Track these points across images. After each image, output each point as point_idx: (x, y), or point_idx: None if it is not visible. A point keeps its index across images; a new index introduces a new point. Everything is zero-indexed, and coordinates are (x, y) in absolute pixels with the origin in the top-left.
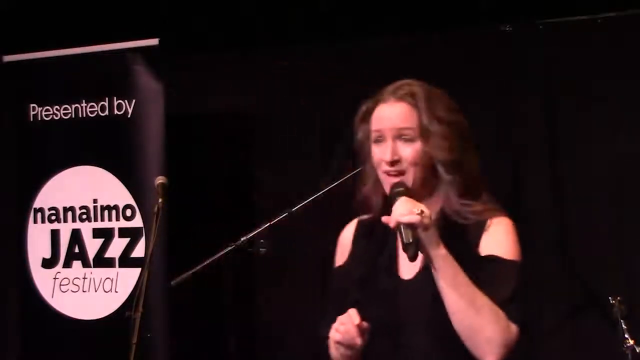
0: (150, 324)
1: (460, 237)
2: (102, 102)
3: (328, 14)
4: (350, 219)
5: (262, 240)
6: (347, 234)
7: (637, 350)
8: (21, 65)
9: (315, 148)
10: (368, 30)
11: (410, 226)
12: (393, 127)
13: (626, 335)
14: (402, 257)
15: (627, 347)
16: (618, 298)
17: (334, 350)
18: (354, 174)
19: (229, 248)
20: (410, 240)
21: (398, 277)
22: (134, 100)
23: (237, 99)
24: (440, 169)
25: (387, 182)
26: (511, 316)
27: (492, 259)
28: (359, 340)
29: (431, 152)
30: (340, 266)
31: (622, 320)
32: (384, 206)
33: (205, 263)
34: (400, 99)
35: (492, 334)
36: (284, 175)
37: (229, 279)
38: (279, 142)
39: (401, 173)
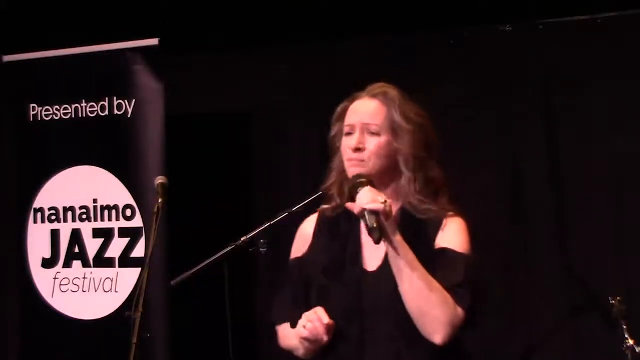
0: (150, 324)
1: (418, 232)
2: (102, 102)
3: (328, 14)
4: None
5: (262, 240)
6: (308, 227)
7: (637, 350)
8: (21, 65)
9: (315, 148)
10: (368, 30)
11: (374, 213)
12: (362, 121)
13: (626, 335)
14: (366, 249)
15: (627, 347)
16: (618, 298)
17: (295, 342)
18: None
19: (229, 248)
20: (375, 225)
21: (363, 268)
22: (134, 100)
23: (237, 99)
24: (402, 165)
25: (349, 170)
26: (459, 300)
27: (445, 251)
28: (325, 338)
29: (397, 146)
30: (298, 257)
31: (622, 320)
32: (347, 198)
33: (205, 263)
34: (374, 96)
35: (441, 314)
36: (284, 175)
37: (229, 279)
38: (279, 142)
39: (362, 161)
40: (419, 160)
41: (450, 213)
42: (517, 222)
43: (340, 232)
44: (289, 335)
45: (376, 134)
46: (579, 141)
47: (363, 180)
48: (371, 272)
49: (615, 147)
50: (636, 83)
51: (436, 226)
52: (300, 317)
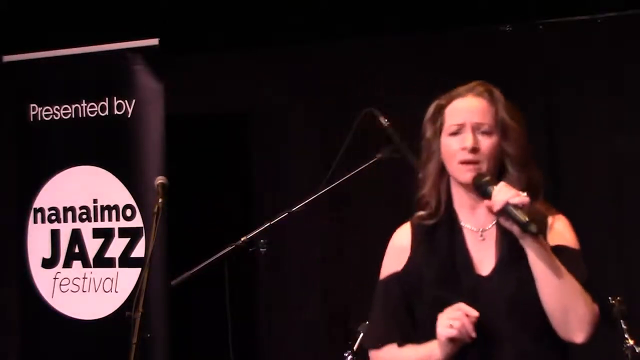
0: (150, 324)
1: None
2: (102, 102)
3: (328, 14)
4: (350, 219)
5: (262, 240)
6: (403, 240)
7: (637, 350)
8: (21, 65)
9: (315, 148)
10: (368, 30)
11: (517, 207)
12: (473, 120)
13: (626, 335)
14: (475, 254)
15: (627, 347)
16: (618, 298)
17: (401, 353)
18: (354, 173)
19: (229, 248)
20: (527, 219)
21: (476, 274)
22: (134, 100)
23: (237, 99)
24: (509, 165)
25: (463, 173)
26: (594, 296)
27: (563, 249)
28: (474, 335)
29: (504, 147)
30: (395, 273)
31: (622, 320)
32: (447, 204)
33: (205, 263)
34: (479, 95)
35: (584, 312)
36: (284, 175)
37: (229, 279)
38: (279, 142)
39: (477, 163)
40: (524, 159)
41: (554, 211)
42: None
43: (441, 240)
44: (398, 355)
45: (488, 133)
46: (579, 141)
47: (487, 177)
48: (485, 276)
49: (615, 147)
50: (636, 83)
51: (543, 225)
52: (406, 334)
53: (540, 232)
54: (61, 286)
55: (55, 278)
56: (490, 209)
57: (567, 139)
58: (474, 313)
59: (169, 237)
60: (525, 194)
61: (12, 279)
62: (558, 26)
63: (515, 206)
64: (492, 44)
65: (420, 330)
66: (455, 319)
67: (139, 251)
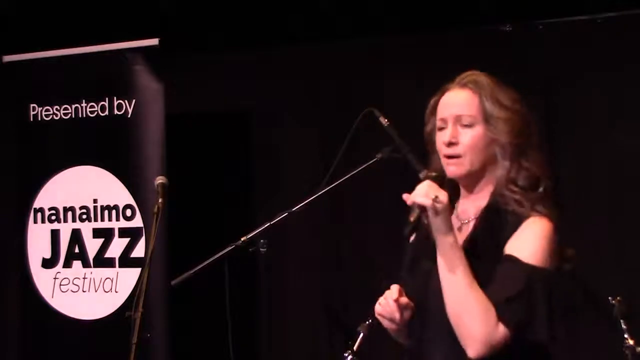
0: (150, 324)
1: (496, 232)
2: (102, 102)
3: (328, 14)
4: (350, 219)
5: (262, 240)
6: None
7: (637, 350)
8: (21, 65)
9: (314, 148)
10: (368, 30)
11: (420, 207)
12: (454, 113)
13: (626, 335)
14: None
15: (627, 347)
16: (618, 298)
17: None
18: (354, 173)
19: (229, 248)
20: (412, 219)
21: (433, 261)
22: (134, 100)
23: (237, 99)
24: (498, 154)
25: (447, 167)
26: (503, 316)
27: (509, 259)
28: (397, 315)
29: (492, 136)
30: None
31: (622, 320)
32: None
33: (205, 263)
34: (464, 86)
35: (474, 329)
36: (284, 175)
37: (229, 279)
38: (279, 142)
39: (458, 157)
40: (516, 148)
41: (535, 213)
42: None
43: (426, 227)
44: None
45: (469, 125)
46: (579, 141)
47: (432, 174)
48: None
49: (615, 146)
50: (636, 83)
51: (514, 228)
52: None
53: (407, 235)
54: (61, 286)
55: (55, 278)
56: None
57: (567, 139)
58: (394, 296)
59: (169, 237)
60: (435, 196)
61: (12, 279)
62: (558, 26)
63: (419, 206)
64: (492, 44)
65: None
66: (384, 297)
67: (139, 251)
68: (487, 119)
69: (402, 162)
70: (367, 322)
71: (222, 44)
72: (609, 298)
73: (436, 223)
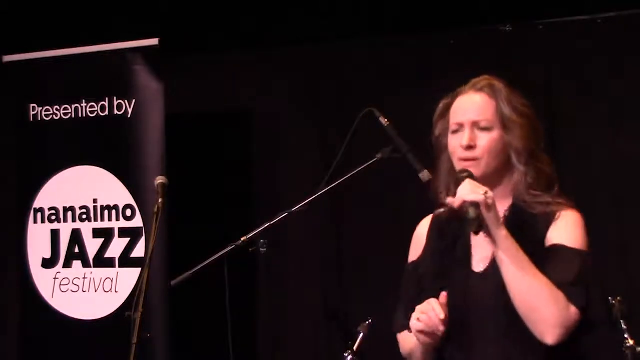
0: (150, 324)
1: (528, 228)
2: (102, 102)
3: (328, 14)
4: (350, 219)
5: (262, 240)
6: (422, 230)
7: (637, 350)
8: (21, 65)
9: (314, 148)
10: (368, 30)
11: (474, 204)
12: (470, 117)
13: (626, 335)
14: (475, 250)
15: (627, 347)
16: (618, 298)
17: (412, 345)
18: (354, 173)
19: (229, 248)
20: (473, 216)
21: (471, 269)
22: (134, 100)
23: (237, 99)
24: (515, 159)
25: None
26: (572, 298)
27: (558, 248)
28: (441, 328)
29: (508, 140)
30: (413, 261)
31: (622, 320)
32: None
33: (205, 263)
34: (480, 90)
35: (550, 314)
36: (284, 175)
37: (229, 279)
38: (279, 142)
39: (475, 159)
40: (530, 152)
41: (564, 206)
42: None
43: (450, 233)
44: (407, 340)
45: (487, 129)
46: (579, 141)
47: (465, 173)
48: (478, 272)
49: (615, 147)
50: (636, 83)
51: (548, 221)
52: None
53: (477, 231)
54: (61, 286)
55: (55, 278)
56: (452, 206)
57: (567, 138)
58: (442, 315)
59: (169, 237)
60: (484, 191)
61: (12, 279)
62: (558, 26)
63: (472, 203)
64: (492, 44)
65: None
66: (423, 313)
67: (139, 251)
68: (504, 123)
69: (402, 162)
70: (367, 322)
71: (222, 44)
72: (609, 298)
73: (491, 217)
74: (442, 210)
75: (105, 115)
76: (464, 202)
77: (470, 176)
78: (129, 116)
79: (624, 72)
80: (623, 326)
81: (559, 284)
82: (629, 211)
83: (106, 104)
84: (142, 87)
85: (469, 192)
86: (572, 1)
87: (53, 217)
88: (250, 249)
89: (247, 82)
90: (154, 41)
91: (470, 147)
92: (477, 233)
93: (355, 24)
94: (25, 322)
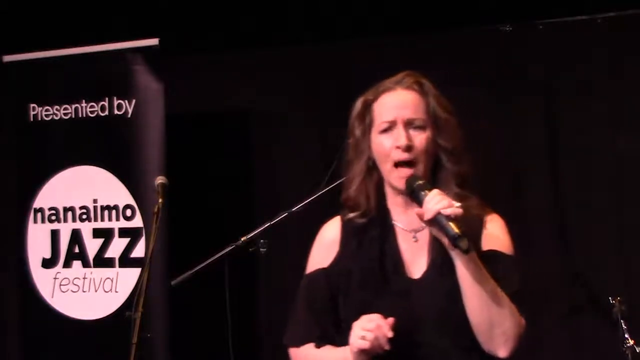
0: (150, 324)
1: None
2: (102, 102)
3: (328, 14)
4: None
5: (262, 240)
6: (330, 235)
7: (637, 350)
8: (21, 65)
9: (314, 148)
10: (368, 30)
11: (451, 218)
12: (404, 116)
13: (626, 335)
14: (406, 255)
15: (627, 347)
16: (618, 298)
17: (317, 354)
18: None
19: (229, 248)
20: (458, 232)
21: (407, 277)
22: (134, 100)
23: (237, 99)
24: (444, 159)
25: (398, 180)
26: (520, 309)
27: (495, 254)
28: (387, 347)
29: (439, 141)
30: (322, 269)
31: (622, 320)
32: (377, 203)
33: (205, 263)
34: (408, 87)
35: (508, 327)
36: (284, 175)
37: (229, 279)
38: (279, 142)
39: (412, 162)
40: (460, 153)
41: (489, 209)
42: (517, 222)
43: (372, 238)
44: (315, 356)
45: (421, 128)
46: (579, 141)
47: (422, 181)
48: (416, 279)
49: (615, 147)
50: (636, 83)
51: (479, 224)
52: (327, 334)
53: (469, 249)
54: (61, 286)
55: (55, 278)
56: (420, 217)
57: (567, 138)
58: (387, 329)
59: (169, 237)
60: (459, 204)
61: (12, 279)
62: (558, 26)
63: (448, 217)
64: (492, 44)
65: (344, 331)
66: (368, 331)
67: (139, 251)
68: (435, 123)
69: None
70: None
71: (222, 44)
72: (609, 298)
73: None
74: (354, 214)
75: (105, 115)
76: (438, 213)
77: (428, 185)
78: (129, 116)
79: (624, 72)
80: (623, 326)
81: (510, 295)
82: (629, 211)
83: (106, 104)
84: (142, 87)
85: (445, 204)
86: (572, 1)
87: (53, 217)
88: (250, 249)
89: (247, 82)
90: (154, 41)
91: (408, 148)
92: (468, 252)
93: (356, 24)
94: (25, 322)
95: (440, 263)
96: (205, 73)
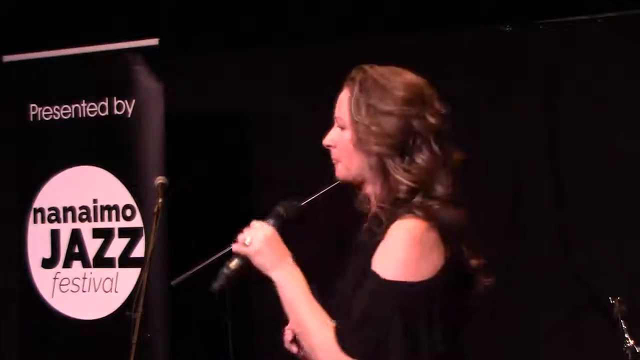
0: (150, 324)
1: (369, 247)
2: (102, 102)
3: (328, 14)
4: (350, 219)
5: None
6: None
7: (637, 350)
8: (21, 65)
9: (315, 148)
10: (368, 30)
11: (239, 256)
12: (334, 113)
13: (626, 335)
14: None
15: (627, 347)
16: (618, 298)
17: None
18: None
19: (229, 248)
20: (225, 271)
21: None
22: (134, 100)
23: (236, 99)
24: (367, 165)
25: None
26: (345, 347)
27: (370, 275)
28: (294, 349)
29: (359, 144)
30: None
31: (622, 320)
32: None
33: (205, 263)
34: (346, 84)
35: (313, 347)
36: (284, 175)
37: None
38: (279, 142)
39: (337, 162)
40: (379, 158)
41: (403, 215)
42: (517, 222)
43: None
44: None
45: (342, 127)
46: (579, 141)
47: (281, 206)
48: (341, 280)
49: (615, 147)
50: (636, 83)
51: (385, 232)
52: None
53: (216, 288)
54: (61, 286)
55: (55, 278)
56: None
57: (567, 138)
58: (289, 337)
59: (169, 237)
60: (250, 240)
61: (12, 279)
62: (558, 26)
63: (237, 255)
64: (492, 44)
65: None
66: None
67: (139, 251)
68: (352, 123)
69: None
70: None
71: (222, 44)
72: (609, 298)
73: (260, 263)
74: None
75: (105, 115)
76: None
77: (276, 212)
78: (129, 116)
79: (624, 72)
80: (623, 326)
81: (343, 329)
82: (629, 211)
83: (106, 104)
84: (142, 87)
85: (240, 240)
86: (572, 1)
87: (53, 217)
88: None
89: (247, 82)
90: (154, 41)
91: (328, 147)
92: (215, 289)
93: (356, 24)
94: (25, 322)
95: (354, 267)
96: (205, 73)
